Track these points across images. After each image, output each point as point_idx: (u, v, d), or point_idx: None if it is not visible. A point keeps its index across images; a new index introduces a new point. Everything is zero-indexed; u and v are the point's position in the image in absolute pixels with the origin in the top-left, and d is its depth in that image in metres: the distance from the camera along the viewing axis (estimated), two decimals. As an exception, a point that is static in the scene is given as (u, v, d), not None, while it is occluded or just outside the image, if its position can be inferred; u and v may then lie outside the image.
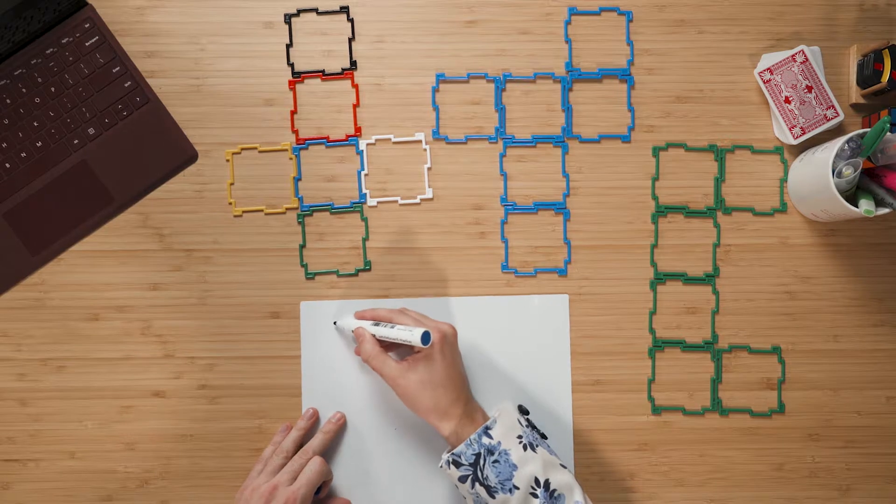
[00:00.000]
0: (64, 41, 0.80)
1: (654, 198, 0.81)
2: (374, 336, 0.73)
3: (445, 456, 0.70)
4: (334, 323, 0.80)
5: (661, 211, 0.81)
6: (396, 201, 0.81)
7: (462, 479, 0.69)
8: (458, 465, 0.69)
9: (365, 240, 0.81)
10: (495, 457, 0.69)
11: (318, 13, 0.82)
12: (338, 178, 0.81)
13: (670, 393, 0.81)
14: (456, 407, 0.71)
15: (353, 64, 0.81)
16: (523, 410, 0.75)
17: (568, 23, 0.82)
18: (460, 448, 0.69)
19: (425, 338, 0.68)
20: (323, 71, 0.81)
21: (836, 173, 0.72)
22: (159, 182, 0.81)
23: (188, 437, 0.80)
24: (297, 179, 0.81)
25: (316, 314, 0.80)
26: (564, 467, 0.70)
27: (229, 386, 0.80)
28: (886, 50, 0.76)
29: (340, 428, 0.79)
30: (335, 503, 0.78)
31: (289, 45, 0.81)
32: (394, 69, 0.82)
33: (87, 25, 0.80)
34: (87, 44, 0.80)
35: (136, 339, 0.80)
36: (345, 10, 0.81)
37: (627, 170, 0.81)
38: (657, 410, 0.81)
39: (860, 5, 0.81)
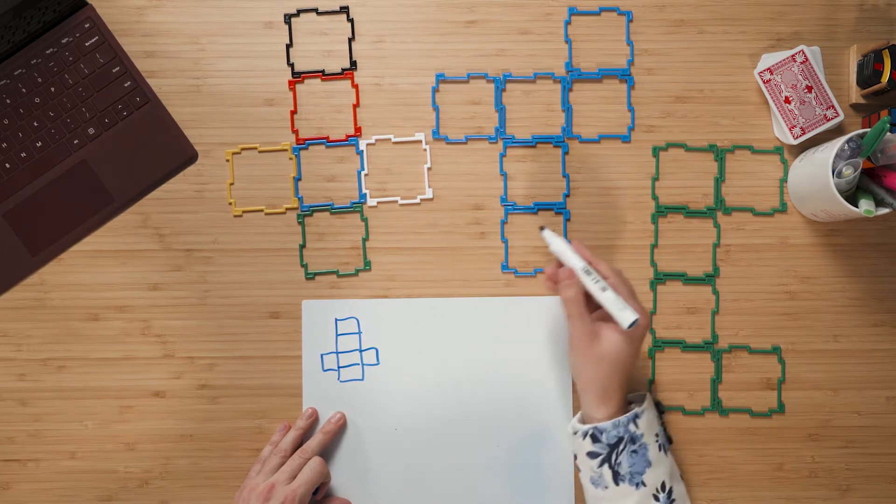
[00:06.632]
0: (64, 41, 0.80)
1: (654, 198, 0.81)
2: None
3: (585, 427, 0.68)
4: (542, 228, 0.74)
5: (661, 211, 0.81)
6: (396, 201, 0.81)
7: (592, 455, 0.67)
8: (595, 440, 0.67)
9: (365, 240, 0.81)
10: (635, 447, 0.67)
11: (318, 13, 0.82)
12: (338, 178, 0.81)
13: (670, 393, 0.81)
14: (619, 393, 0.68)
15: (353, 64, 0.81)
16: (660, 409, 0.73)
17: (568, 23, 0.82)
18: (605, 425, 0.67)
19: (633, 324, 0.66)
20: (323, 71, 0.81)
21: (836, 173, 0.72)
22: (159, 182, 0.81)
23: (188, 437, 0.80)
24: (297, 179, 0.81)
25: (317, 313, 0.80)
26: (682, 480, 0.70)
27: (229, 386, 0.80)
28: (886, 50, 0.76)
29: (340, 428, 0.79)
30: (335, 502, 0.78)
31: (289, 45, 0.81)
32: (394, 69, 0.82)
33: (87, 25, 0.80)
34: (87, 44, 0.80)
35: (136, 339, 0.80)
36: (345, 10, 0.81)
37: (627, 170, 0.81)
38: (657, 410, 0.81)
39: (860, 5, 0.81)
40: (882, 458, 0.81)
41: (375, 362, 0.80)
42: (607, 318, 0.69)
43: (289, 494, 0.71)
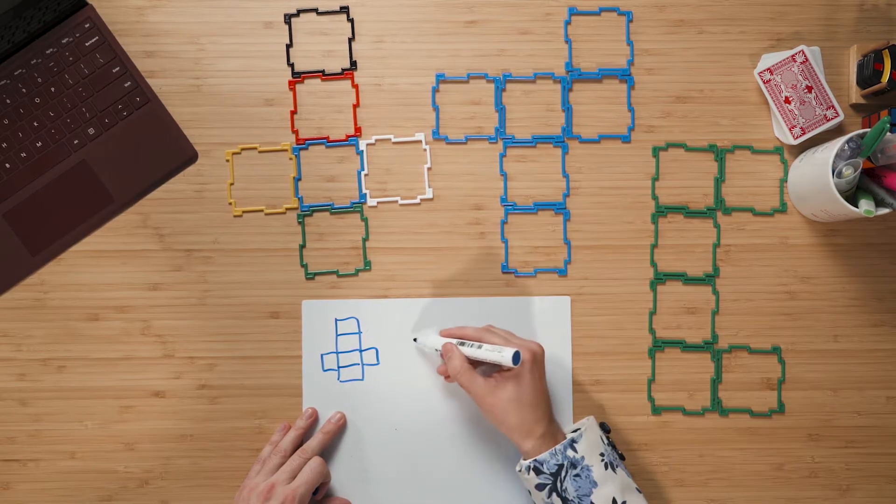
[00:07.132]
0: (64, 41, 0.80)
1: (654, 198, 0.81)
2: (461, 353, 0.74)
3: (526, 462, 0.70)
4: (414, 339, 0.80)
5: (661, 211, 0.81)
6: (396, 201, 0.81)
7: (539, 487, 0.70)
8: (538, 472, 0.70)
9: (365, 240, 0.81)
10: (577, 471, 0.69)
11: (318, 13, 0.82)
12: (338, 178, 0.81)
13: (670, 393, 0.81)
14: (540, 426, 0.71)
15: (353, 64, 0.81)
16: (605, 428, 0.75)
17: (568, 23, 0.82)
18: (544, 456, 0.70)
19: (515, 358, 0.69)
20: (323, 71, 0.81)
21: (836, 173, 0.72)
22: (159, 182, 0.81)
23: (188, 437, 0.80)
24: (297, 179, 0.81)
25: (317, 313, 0.80)
26: (640, 492, 0.71)
27: (229, 386, 0.80)
28: (886, 50, 0.76)
29: (340, 428, 0.79)
30: (335, 502, 0.78)
31: (289, 45, 0.81)
32: (394, 69, 0.82)
33: (87, 25, 0.80)
34: (87, 44, 0.80)
35: (136, 339, 0.80)
36: (345, 10, 0.81)
37: (627, 170, 0.81)
38: (657, 410, 0.81)
39: (860, 5, 0.81)
40: (882, 458, 0.81)
41: (375, 362, 0.80)
42: (498, 370, 0.73)
43: (289, 494, 0.71)
